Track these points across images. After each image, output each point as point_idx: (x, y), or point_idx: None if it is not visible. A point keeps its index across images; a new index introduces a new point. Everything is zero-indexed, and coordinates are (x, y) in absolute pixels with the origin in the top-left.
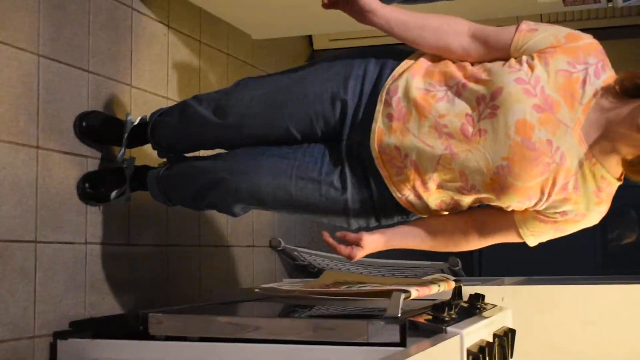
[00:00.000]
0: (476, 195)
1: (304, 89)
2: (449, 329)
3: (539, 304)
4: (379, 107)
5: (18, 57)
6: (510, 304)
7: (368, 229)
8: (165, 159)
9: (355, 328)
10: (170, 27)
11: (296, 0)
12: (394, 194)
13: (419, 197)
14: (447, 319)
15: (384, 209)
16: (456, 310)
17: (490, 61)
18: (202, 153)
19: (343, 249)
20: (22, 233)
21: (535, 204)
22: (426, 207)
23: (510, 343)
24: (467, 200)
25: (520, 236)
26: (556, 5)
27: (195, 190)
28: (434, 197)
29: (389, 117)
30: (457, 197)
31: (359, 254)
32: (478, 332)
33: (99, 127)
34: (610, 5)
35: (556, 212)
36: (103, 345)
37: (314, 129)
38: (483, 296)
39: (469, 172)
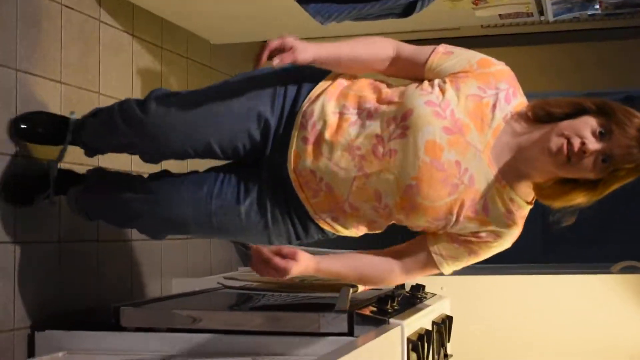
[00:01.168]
0: (389, 215)
1: (229, 104)
2: (391, 320)
3: (476, 293)
4: (295, 131)
5: None
6: (449, 292)
7: None
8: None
9: (308, 319)
10: (134, 36)
11: (252, 9)
12: (312, 215)
13: (335, 218)
14: (390, 310)
15: (305, 228)
16: (399, 300)
17: (410, 79)
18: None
19: (278, 261)
20: (2, 234)
21: (445, 226)
22: (344, 227)
23: (447, 329)
24: (381, 221)
25: (435, 264)
26: (493, 18)
27: (116, 219)
28: (351, 220)
29: (304, 140)
30: (372, 216)
31: (294, 268)
32: (418, 321)
33: (42, 126)
34: (542, 18)
35: (470, 232)
36: (78, 337)
37: (237, 145)
38: (423, 286)
39: (382, 191)
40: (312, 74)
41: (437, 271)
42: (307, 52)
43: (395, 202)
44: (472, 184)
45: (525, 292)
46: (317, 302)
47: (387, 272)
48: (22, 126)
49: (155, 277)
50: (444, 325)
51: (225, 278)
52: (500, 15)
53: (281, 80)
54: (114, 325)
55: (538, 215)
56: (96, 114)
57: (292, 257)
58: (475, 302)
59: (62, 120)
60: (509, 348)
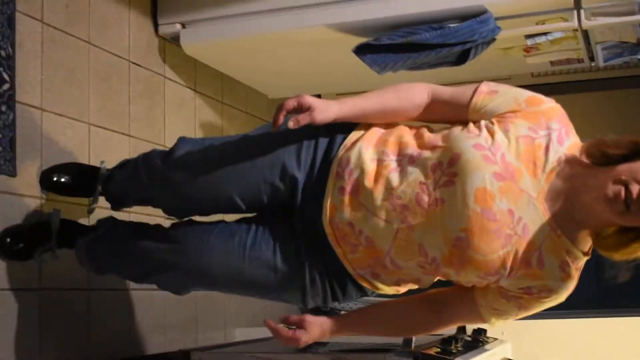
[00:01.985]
0: (437, 271)
1: (252, 156)
2: None
3: (536, 337)
4: (331, 181)
5: (72, 125)
6: (510, 337)
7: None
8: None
9: None
10: (196, 92)
11: (308, 64)
12: (350, 272)
13: (376, 275)
14: (454, 351)
15: (342, 287)
16: (461, 343)
17: (449, 123)
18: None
19: (285, 332)
20: (76, 282)
21: (497, 280)
22: (385, 284)
23: None
24: (427, 278)
25: (481, 316)
26: (544, 66)
27: (133, 273)
28: (392, 275)
29: (341, 190)
30: (417, 274)
31: (304, 337)
32: None
33: (72, 177)
34: (593, 64)
35: (520, 289)
36: None
37: (261, 197)
38: (485, 330)
39: (427, 245)
40: (343, 124)
41: (480, 322)
42: (327, 112)
43: (444, 255)
44: (526, 235)
45: (586, 335)
46: (381, 344)
47: (423, 322)
48: (53, 178)
49: (219, 325)
50: None
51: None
52: (551, 62)
53: (310, 130)
54: None
55: (592, 264)
56: (123, 165)
57: (300, 325)
58: (536, 347)
59: (93, 171)
60: None
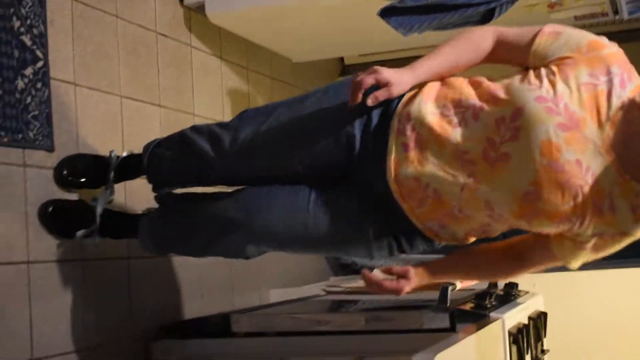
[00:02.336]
0: (505, 222)
1: (309, 123)
2: (491, 314)
3: (567, 289)
4: (392, 138)
5: (105, 99)
6: (541, 289)
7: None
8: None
9: (411, 318)
10: (222, 59)
11: (330, 27)
12: (417, 226)
13: (444, 226)
14: (488, 305)
15: (409, 241)
16: (495, 298)
17: (511, 64)
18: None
19: (389, 283)
20: (119, 251)
21: (570, 228)
22: (453, 235)
23: (543, 325)
24: (496, 227)
25: (560, 261)
26: (568, 21)
27: (201, 241)
28: (462, 227)
29: (404, 146)
30: (487, 222)
31: (406, 287)
32: (515, 316)
33: (83, 169)
34: (617, 17)
35: (594, 235)
36: (191, 344)
37: (320, 164)
38: (516, 284)
39: (494, 200)
40: None
41: (559, 264)
42: (403, 84)
43: (513, 210)
44: (595, 183)
45: (614, 285)
46: (417, 301)
47: (508, 269)
48: (64, 173)
49: (253, 287)
50: (539, 320)
51: (329, 286)
52: (575, 17)
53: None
54: (224, 331)
55: None
56: (161, 144)
57: (404, 275)
58: (567, 298)
59: (103, 160)
60: (604, 343)
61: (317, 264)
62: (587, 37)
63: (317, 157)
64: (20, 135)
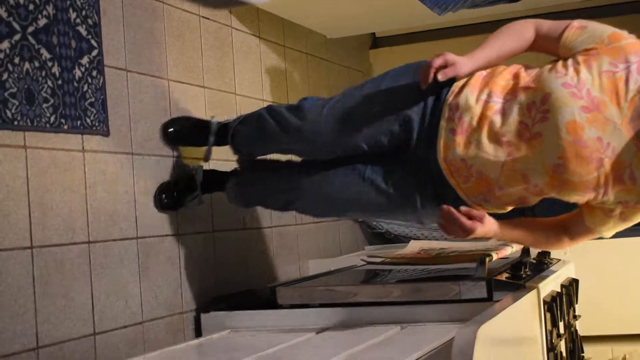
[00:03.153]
0: (540, 193)
1: (371, 107)
2: (527, 284)
3: (598, 256)
4: (442, 123)
5: (154, 83)
6: (573, 257)
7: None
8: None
9: (449, 288)
10: (261, 38)
11: (363, 6)
12: (464, 199)
13: (487, 200)
14: (523, 275)
15: (456, 208)
16: (529, 267)
17: (547, 53)
18: None
19: (465, 221)
20: (168, 228)
21: (596, 197)
22: (496, 206)
23: (575, 291)
24: (533, 198)
25: (595, 233)
26: None
27: (281, 200)
28: (502, 200)
29: (452, 132)
30: (524, 195)
31: (479, 230)
32: (549, 284)
33: (187, 130)
34: None
35: (618, 203)
36: (239, 316)
37: (381, 142)
38: (549, 253)
39: (530, 173)
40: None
41: (597, 236)
42: (466, 66)
43: (545, 181)
44: (615, 156)
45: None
46: (455, 272)
47: (557, 240)
48: (170, 130)
49: (293, 259)
50: (571, 287)
51: (368, 256)
52: None
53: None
54: (271, 303)
55: None
56: (243, 121)
57: (480, 219)
58: (599, 265)
59: (205, 124)
60: (632, 308)
61: (352, 234)
62: (608, 30)
63: (379, 137)
64: (79, 122)
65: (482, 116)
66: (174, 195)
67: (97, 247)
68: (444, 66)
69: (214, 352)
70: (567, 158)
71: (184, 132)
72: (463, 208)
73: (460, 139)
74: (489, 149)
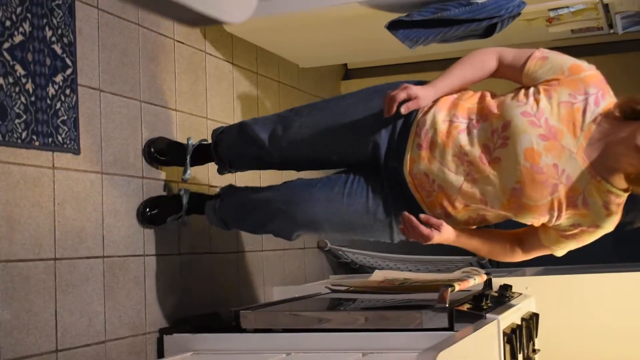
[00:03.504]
0: (497, 216)
1: (344, 121)
2: (487, 315)
3: (557, 291)
4: (411, 139)
5: (127, 104)
6: (533, 292)
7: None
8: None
9: (411, 317)
10: (234, 65)
11: (336, 36)
12: (425, 212)
13: (448, 215)
14: (485, 307)
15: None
16: (490, 299)
17: (511, 80)
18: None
19: (424, 229)
20: (135, 249)
21: (550, 220)
22: (456, 222)
23: (535, 325)
24: (490, 214)
25: (548, 250)
26: (565, 34)
27: (254, 222)
28: (462, 214)
29: (419, 146)
30: (481, 212)
31: (436, 237)
32: (510, 317)
33: (165, 151)
34: (612, 31)
35: (571, 226)
36: (202, 339)
37: (351, 155)
38: (510, 286)
39: (487, 195)
40: None
41: (550, 253)
42: (429, 97)
43: (503, 203)
44: (569, 183)
45: (601, 289)
46: (417, 301)
47: (512, 252)
48: (151, 150)
49: (258, 284)
50: (531, 321)
51: (332, 284)
52: (572, 30)
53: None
54: (234, 327)
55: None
56: (224, 131)
57: (437, 227)
58: (558, 300)
59: (182, 146)
60: (591, 343)
61: (317, 262)
62: (569, 61)
63: (347, 154)
64: (50, 139)
65: (448, 134)
66: (158, 211)
67: (63, 264)
68: (407, 99)
69: None
70: (524, 182)
71: (163, 152)
72: (422, 215)
73: (425, 154)
74: (451, 166)
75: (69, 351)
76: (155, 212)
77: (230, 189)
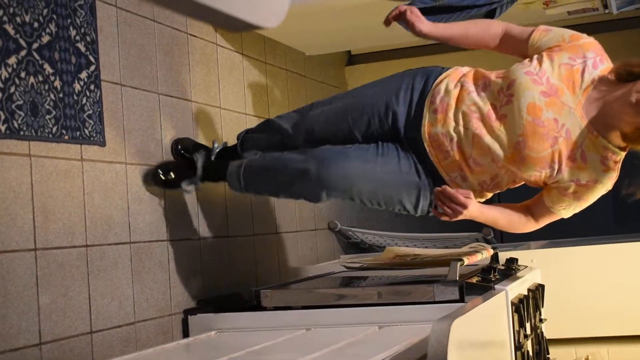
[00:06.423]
0: (506, 168)
1: (363, 100)
2: (496, 286)
3: (562, 263)
4: (427, 106)
5: (146, 97)
6: (539, 264)
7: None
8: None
9: (423, 290)
10: (243, 55)
11: (341, 26)
12: (444, 177)
13: (464, 178)
14: (493, 279)
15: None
16: (497, 272)
17: (517, 56)
18: None
19: (460, 196)
20: (159, 234)
21: (552, 174)
22: (471, 187)
23: (541, 296)
24: (504, 179)
25: (555, 214)
26: (561, 15)
27: (281, 181)
28: (476, 177)
29: (434, 111)
30: (495, 171)
31: (470, 206)
32: (517, 288)
33: (191, 150)
34: (607, 11)
35: (571, 181)
36: (225, 318)
37: (372, 130)
38: (516, 259)
39: (494, 148)
40: (436, 73)
41: (556, 219)
42: (424, 24)
43: (507, 156)
44: (569, 136)
45: (604, 260)
46: (428, 276)
47: (526, 221)
48: (179, 147)
49: (274, 265)
50: (537, 292)
51: (348, 262)
52: (568, 12)
53: (407, 76)
54: (255, 306)
55: (609, 192)
56: (250, 130)
57: (467, 196)
58: (563, 272)
59: (208, 149)
60: (595, 313)
61: (328, 243)
62: (569, 31)
63: (369, 130)
64: (78, 133)
65: (459, 97)
66: (172, 173)
67: (94, 251)
68: (409, 19)
69: (205, 349)
70: (526, 135)
71: (189, 150)
72: (449, 189)
73: (441, 116)
74: (463, 122)
75: (102, 332)
76: (168, 175)
77: (254, 153)
